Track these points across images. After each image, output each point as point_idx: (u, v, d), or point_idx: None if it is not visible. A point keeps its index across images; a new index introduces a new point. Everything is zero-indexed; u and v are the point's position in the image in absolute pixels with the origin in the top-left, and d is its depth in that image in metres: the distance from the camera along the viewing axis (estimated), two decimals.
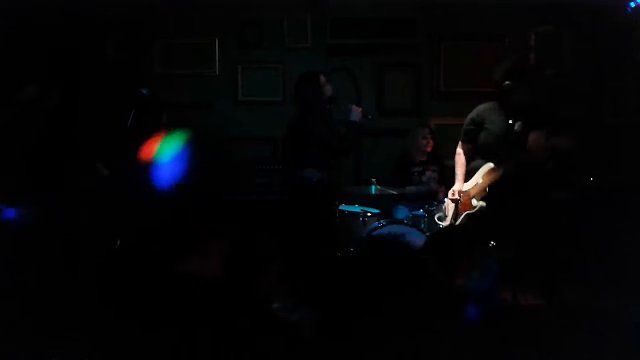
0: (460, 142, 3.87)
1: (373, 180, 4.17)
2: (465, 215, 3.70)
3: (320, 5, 4.88)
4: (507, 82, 3.43)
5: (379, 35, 4.88)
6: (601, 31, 4.61)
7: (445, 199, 3.87)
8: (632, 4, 4.28)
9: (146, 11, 4.87)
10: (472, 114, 3.77)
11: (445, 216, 3.86)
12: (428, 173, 4.50)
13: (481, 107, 3.75)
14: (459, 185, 3.77)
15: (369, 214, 4.10)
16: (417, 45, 4.92)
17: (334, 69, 4.97)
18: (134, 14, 4.87)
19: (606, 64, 4.64)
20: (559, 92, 4.62)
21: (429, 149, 4.47)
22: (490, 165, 3.61)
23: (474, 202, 3.67)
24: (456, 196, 3.73)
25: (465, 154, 3.84)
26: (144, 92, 3.55)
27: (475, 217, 3.63)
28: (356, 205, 4.23)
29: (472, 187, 3.70)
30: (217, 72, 5.04)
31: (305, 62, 4.97)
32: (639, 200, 3.84)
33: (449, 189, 3.88)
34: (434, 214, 3.98)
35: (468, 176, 3.77)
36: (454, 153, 3.91)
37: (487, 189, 3.59)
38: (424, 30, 4.88)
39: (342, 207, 4.13)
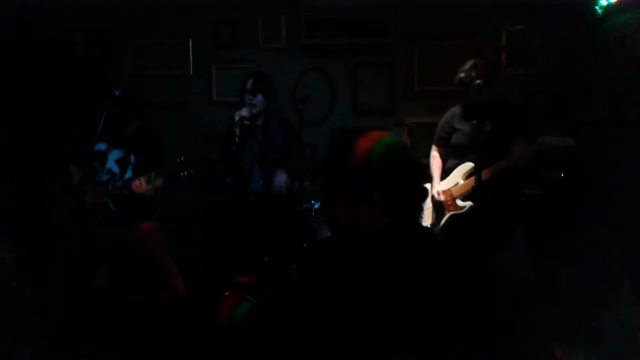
0: (434, 146, 3.93)
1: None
2: (450, 216, 3.71)
3: (294, 5, 4.87)
4: (477, 82, 3.45)
5: (353, 35, 4.88)
6: (571, 29, 4.70)
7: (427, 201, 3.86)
8: (600, 3, 4.36)
9: (118, 10, 4.83)
10: (443, 120, 3.86)
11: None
12: None
13: (451, 112, 3.84)
14: (439, 187, 3.79)
15: None
16: (391, 45, 4.95)
17: (308, 69, 5.01)
18: (106, 14, 4.82)
19: (576, 61, 4.72)
20: (529, 90, 4.72)
21: None
22: (470, 165, 3.64)
23: (459, 202, 3.67)
24: (441, 197, 3.74)
25: (440, 155, 3.90)
26: (115, 93, 3.50)
27: (464, 217, 3.65)
28: None
29: (453, 187, 3.71)
30: (191, 72, 5.02)
31: (280, 62, 4.99)
32: (609, 195, 3.92)
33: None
34: None
35: (444, 176, 3.82)
36: (429, 151, 3.95)
37: (471, 190, 3.61)
38: (397, 30, 4.90)
39: (318, 205, 4.15)
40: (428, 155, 3.97)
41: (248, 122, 3.63)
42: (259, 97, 3.69)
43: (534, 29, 4.89)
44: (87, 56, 4.88)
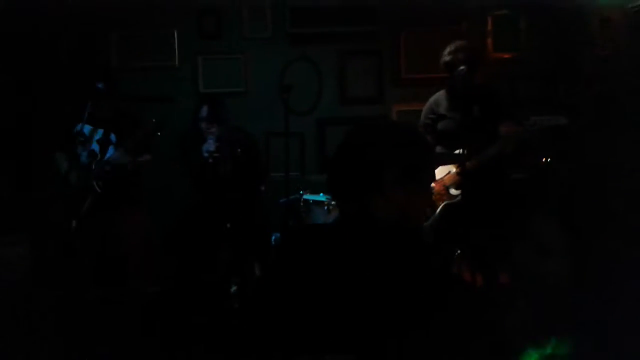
0: None
1: None
2: (445, 206, 3.63)
3: None
4: (461, 67, 3.42)
5: (340, 23, 4.86)
6: (557, 12, 4.68)
7: None
8: None
9: (102, 1, 4.78)
10: (427, 106, 3.79)
11: None
12: None
13: (435, 97, 3.77)
14: None
15: (333, 202, 4.11)
16: (377, 32, 4.92)
17: (295, 59, 4.98)
18: (89, 5, 4.78)
19: (562, 45, 4.71)
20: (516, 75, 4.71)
21: None
22: (460, 152, 3.58)
23: (453, 191, 3.61)
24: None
25: None
26: (99, 85, 3.49)
27: (456, 207, 3.58)
28: (321, 194, 4.23)
29: (446, 176, 3.65)
30: (177, 63, 4.98)
31: (266, 52, 4.96)
32: (596, 179, 3.93)
33: None
34: None
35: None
36: None
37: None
38: (384, 17, 4.87)
39: (307, 196, 4.14)
40: None
41: None
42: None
43: (519, 14, 4.87)
44: (71, 48, 4.83)
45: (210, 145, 3.84)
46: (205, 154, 3.83)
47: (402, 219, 1.39)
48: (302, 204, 4.11)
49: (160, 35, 4.96)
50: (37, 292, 3.37)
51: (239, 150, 3.90)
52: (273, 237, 4.37)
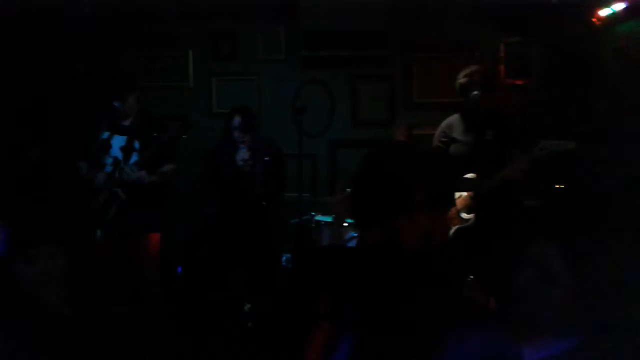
0: None
1: (348, 190, 4.14)
2: (456, 230, 3.58)
3: (293, 17, 4.90)
4: (475, 92, 3.43)
5: (352, 47, 4.92)
6: (570, 40, 4.71)
7: None
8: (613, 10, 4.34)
9: (119, 22, 4.87)
10: (440, 129, 3.78)
11: None
12: None
13: (448, 121, 3.76)
14: None
15: (344, 224, 4.11)
16: (389, 57, 4.97)
17: (308, 81, 5.03)
18: (107, 26, 4.87)
19: (574, 73, 4.73)
20: (528, 102, 4.73)
21: None
22: (473, 176, 3.56)
23: (464, 215, 3.58)
24: None
25: None
26: (116, 104, 3.52)
27: (468, 230, 3.54)
28: (333, 216, 4.24)
29: (457, 199, 3.59)
30: (192, 84, 5.05)
31: (279, 74, 5.02)
32: (606, 206, 3.90)
33: None
34: None
35: None
36: None
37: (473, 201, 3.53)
38: (396, 42, 4.93)
39: (318, 217, 4.16)
40: None
41: None
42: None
43: (532, 41, 4.91)
44: (89, 67, 4.91)
45: (243, 153, 3.89)
46: (240, 162, 3.89)
47: (426, 244, 1.38)
48: (313, 224, 4.12)
49: (176, 56, 5.04)
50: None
51: (268, 158, 3.95)
52: (283, 258, 4.37)
